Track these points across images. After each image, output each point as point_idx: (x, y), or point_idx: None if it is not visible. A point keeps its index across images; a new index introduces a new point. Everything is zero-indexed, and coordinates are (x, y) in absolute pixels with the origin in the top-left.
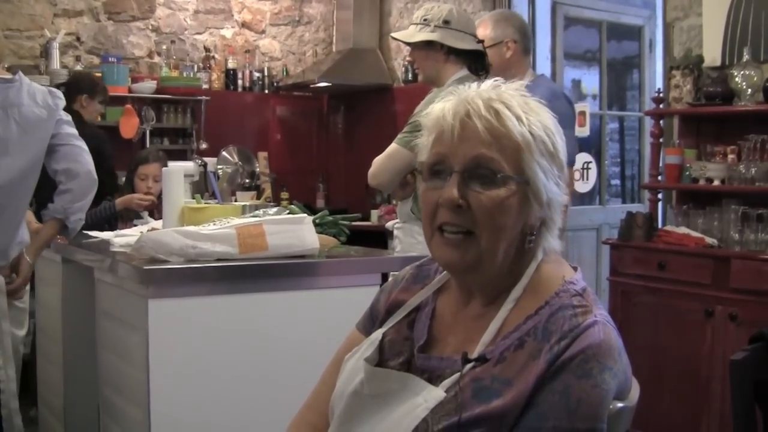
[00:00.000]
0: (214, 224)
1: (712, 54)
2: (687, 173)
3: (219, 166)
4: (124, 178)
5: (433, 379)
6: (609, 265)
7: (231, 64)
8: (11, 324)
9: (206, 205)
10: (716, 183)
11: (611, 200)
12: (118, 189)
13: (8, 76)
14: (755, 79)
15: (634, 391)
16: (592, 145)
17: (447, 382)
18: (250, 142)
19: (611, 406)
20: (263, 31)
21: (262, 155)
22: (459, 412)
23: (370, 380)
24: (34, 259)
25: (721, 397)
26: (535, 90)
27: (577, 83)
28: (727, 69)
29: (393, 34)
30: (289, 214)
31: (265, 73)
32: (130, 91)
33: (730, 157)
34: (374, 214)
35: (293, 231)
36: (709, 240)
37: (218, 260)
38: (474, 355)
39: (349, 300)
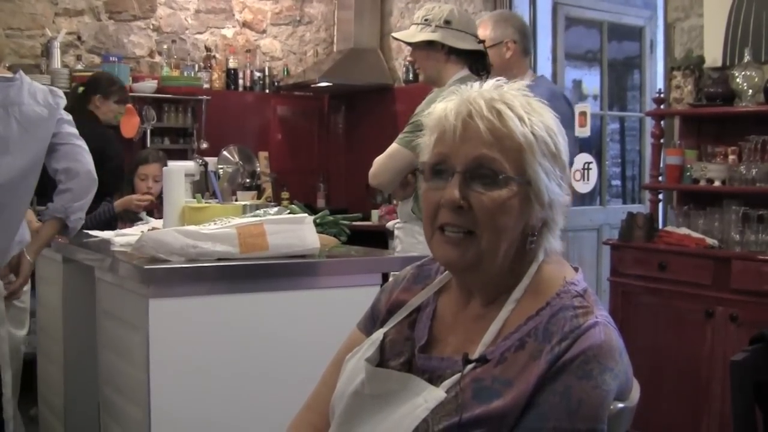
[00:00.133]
0: (215, 224)
1: (713, 55)
2: (688, 174)
3: (220, 166)
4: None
5: (434, 379)
6: (609, 266)
7: (232, 64)
8: (12, 324)
9: (207, 204)
10: (717, 184)
11: (612, 201)
12: (119, 189)
13: (9, 74)
14: (756, 79)
15: (635, 392)
16: (593, 145)
17: (447, 383)
18: (251, 141)
19: (611, 407)
20: (264, 31)
21: (263, 155)
22: (459, 412)
23: (370, 380)
24: (34, 258)
25: (721, 398)
26: (534, 90)
27: (577, 84)
28: (728, 70)
29: (394, 34)
30: (289, 213)
31: (266, 73)
32: (130, 90)
33: (731, 157)
34: (375, 214)
35: (294, 231)
36: (709, 241)
37: (219, 260)
38: (475, 355)
39: (349, 300)
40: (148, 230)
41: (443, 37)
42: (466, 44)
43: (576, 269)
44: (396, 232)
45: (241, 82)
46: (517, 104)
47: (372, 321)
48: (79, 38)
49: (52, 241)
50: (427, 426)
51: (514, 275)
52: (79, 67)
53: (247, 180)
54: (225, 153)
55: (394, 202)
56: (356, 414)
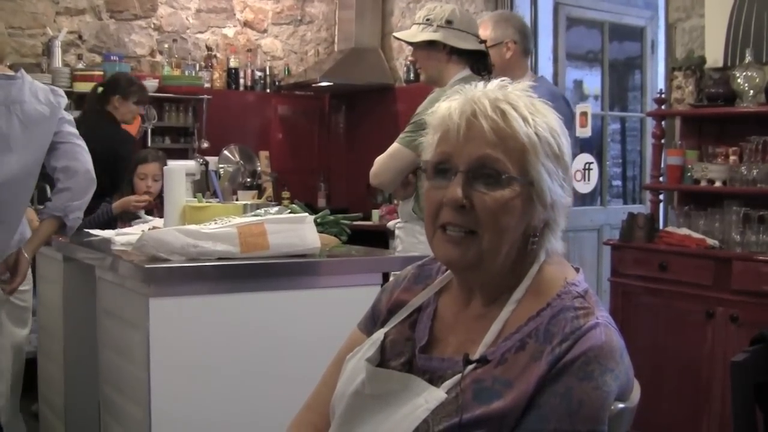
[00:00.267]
0: (216, 223)
1: (714, 55)
2: (688, 174)
3: (220, 165)
4: None
5: (434, 379)
6: (610, 266)
7: (233, 63)
8: (14, 323)
9: (207, 204)
10: (718, 184)
11: (612, 201)
12: (118, 190)
13: (11, 73)
14: (757, 80)
15: (635, 392)
16: (594, 145)
17: (448, 383)
18: (252, 141)
19: (612, 407)
20: (265, 31)
21: (264, 154)
22: (460, 413)
23: (371, 380)
24: (31, 256)
25: (721, 399)
26: (534, 91)
27: (578, 84)
28: (729, 70)
29: (395, 34)
30: (290, 213)
31: (267, 73)
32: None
33: (732, 158)
34: (375, 213)
35: (294, 230)
36: (710, 241)
37: (219, 259)
38: (475, 356)
39: (350, 299)
40: (149, 229)
41: (445, 37)
42: (468, 44)
43: (577, 270)
44: (397, 232)
45: (242, 81)
46: (521, 105)
47: (372, 321)
48: (80, 37)
49: (51, 239)
50: (427, 426)
51: (515, 275)
52: (80, 66)
53: (248, 179)
54: (226, 152)
55: (395, 201)
56: (357, 414)
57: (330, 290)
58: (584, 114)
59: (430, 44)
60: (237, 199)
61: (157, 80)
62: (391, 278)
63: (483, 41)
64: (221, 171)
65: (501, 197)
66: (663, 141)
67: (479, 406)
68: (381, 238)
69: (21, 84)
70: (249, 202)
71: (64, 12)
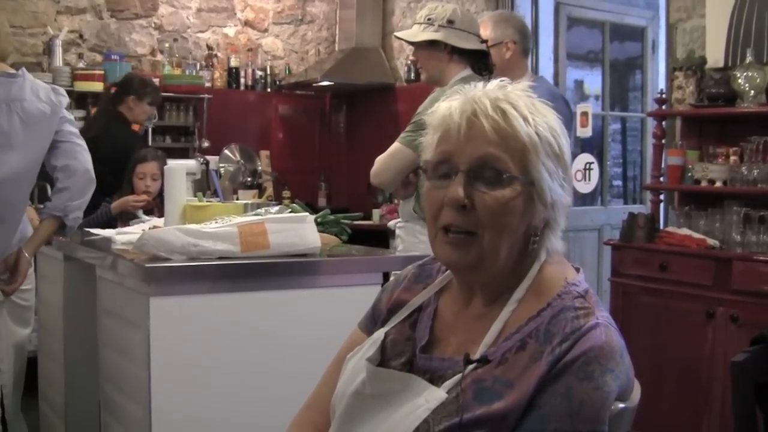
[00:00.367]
0: (216, 222)
1: (714, 55)
2: (689, 174)
3: (221, 165)
4: None
5: (435, 379)
6: (610, 266)
7: (233, 63)
8: (16, 322)
9: (208, 203)
10: (718, 184)
11: (613, 201)
12: (117, 190)
13: (12, 71)
14: (758, 80)
15: (636, 392)
16: (594, 145)
17: (449, 383)
18: (252, 140)
19: (612, 407)
20: (266, 30)
21: (264, 154)
22: (460, 413)
23: (371, 380)
24: (31, 256)
25: (721, 399)
26: (533, 91)
27: (579, 84)
28: (730, 70)
29: (396, 34)
30: (290, 212)
31: (268, 72)
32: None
33: (733, 158)
34: (376, 213)
35: (295, 230)
36: (710, 241)
37: (220, 258)
38: (476, 356)
39: (350, 299)
40: (150, 228)
41: (446, 36)
42: (469, 44)
43: (577, 270)
44: (397, 232)
45: (242, 80)
46: (522, 104)
47: (373, 320)
48: (80, 36)
49: (51, 239)
50: (427, 426)
51: (515, 275)
52: (81, 65)
53: (249, 179)
54: (226, 152)
55: (396, 201)
56: (357, 414)
57: (330, 290)
58: (585, 114)
59: (432, 44)
60: (237, 199)
61: (158, 79)
62: (392, 278)
63: (484, 41)
64: (222, 170)
65: (502, 197)
66: (664, 141)
67: (480, 406)
68: (381, 237)
69: (22, 82)
70: (249, 202)
71: (64, 11)
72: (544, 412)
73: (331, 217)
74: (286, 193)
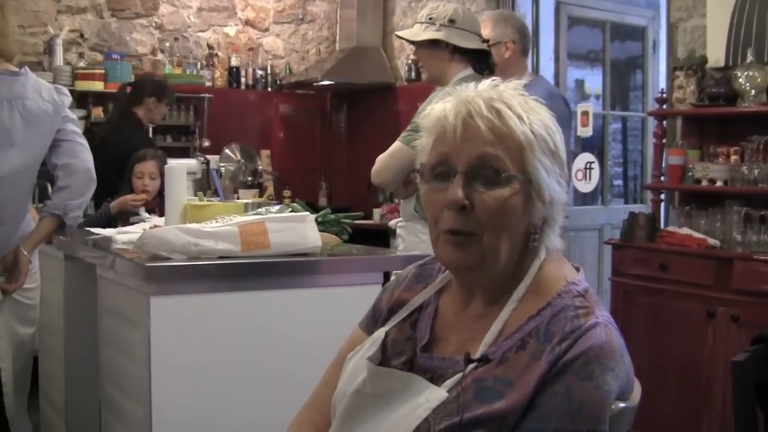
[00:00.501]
0: (217, 222)
1: (715, 55)
2: (690, 174)
3: (221, 164)
4: None
5: (435, 379)
6: (611, 266)
7: (234, 62)
8: (18, 321)
9: (209, 202)
10: (719, 184)
11: (613, 200)
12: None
13: (15, 69)
14: (759, 80)
15: (636, 392)
16: (595, 145)
17: (449, 383)
18: (253, 139)
19: (613, 407)
20: (267, 29)
21: (265, 153)
22: (461, 412)
23: (372, 379)
24: (30, 254)
25: (722, 399)
26: (532, 90)
27: (580, 83)
28: (731, 70)
29: (398, 33)
30: (291, 212)
31: (268, 71)
32: (120, 86)
33: (733, 158)
34: (376, 212)
35: (295, 229)
36: (711, 241)
37: (220, 258)
38: (476, 355)
39: (351, 298)
40: (150, 228)
41: (447, 35)
42: (471, 43)
43: (577, 269)
44: (398, 231)
45: (243, 80)
46: (516, 103)
47: (373, 320)
48: (81, 36)
49: (52, 238)
50: (428, 426)
51: (515, 275)
52: (82, 64)
53: (249, 178)
54: (227, 151)
55: (396, 200)
56: (357, 413)
57: (331, 289)
58: (585, 113)
59: (433, 43)
60: (238, 198)
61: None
62: (393, 277)
63: (486, 40)
64: (222, 170)
65: (501, 196)
66: (664, 140)
67: (480, 406)
68: (382, 237)
69: (25, 81)
70: (250, 201)
71: (65, 10)
72: (544, 411)
73: (332, 216)
74: (287, 193)
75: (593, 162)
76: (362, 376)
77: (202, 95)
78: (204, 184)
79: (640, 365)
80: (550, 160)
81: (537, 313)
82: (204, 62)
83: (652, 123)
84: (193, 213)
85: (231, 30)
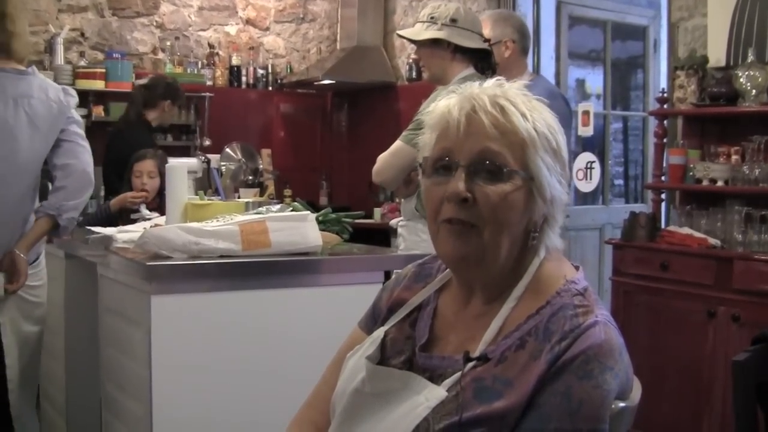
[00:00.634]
0: (218, 221)
1: (716, 54)
2: (690, 174)
3: (222, 163)
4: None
5: (435, 378)
6: (611, 265)
7: (235, 61)
8: (25, 318)
9: (209, 201)
10: (720, 184)
11: (614, 200)
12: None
13: (22, 68)
14: (760, 80)
15: (636, 391)
16: (596, 144)
17: (448, 382)
18: (254, 139)
19: (612, 406)
20: (267, 28)
21: (266, 152)
22: (460, 411)
23: (371, 378)
24: (25, 254)
25: (722, 399)
26: (533, 90)
27: (581, 83)
28: (732, 70)
29: (399, 32)
30: (292, 211)
31: (269, 70)
32: (133, 87)
33: (734, 157)
34: (377, 212)
35: (296, 228)
36: (712, 241)
37: (221, 257)
38: (475, 354)
39: (351, 298)
40: (151, 227)
41: (449, 35)
42: (472, 43)
43: (577, 268)
44: (399, 230)
45: (244, 79)
46: (519, 101)
47: (373, 319)
48: (82, 35)
49: (50, 237)
50: (427, 425)
51: (515, 273)
52: (83, 63)
53: (250, 177)
54: (228, 150)
55: (397, 200)
56: (357, 412)
57: (331, 288)
58: (586, 113)
59: (435, 42)
60: (239, 197)
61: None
62: (392, 277)
63: (487, 40)
64: (223, 169)
65: (502, 191)
66: (665, 140)
67: (479, 405)
68: (383, 236)
69: (31, 80)
70: (251, 200)
71: (66, 9)
72: (543, 411)
73: (333, 215)
74: (288, 192)
75: (594, 161)
76: (361, 375)
77: (203, 94)
78: (205, 183)
79: (641, 365)
80: (552, 158)
81: (536, 312)
82: (205, 61)
83: (652, 123)
84: (194, 212)
85: (232, 29)
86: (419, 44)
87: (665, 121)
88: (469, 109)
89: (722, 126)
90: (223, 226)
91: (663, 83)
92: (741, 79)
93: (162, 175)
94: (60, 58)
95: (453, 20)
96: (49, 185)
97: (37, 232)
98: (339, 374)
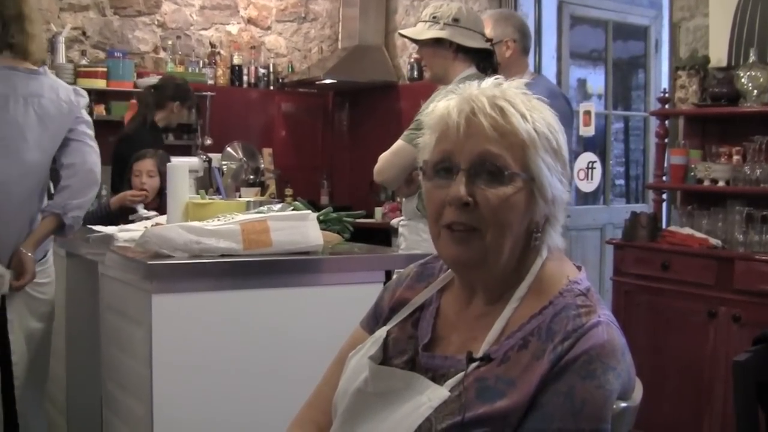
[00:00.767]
0: (219, 220)
1: (718, 55)
2: (692, 174)
3: (223, 162)
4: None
5: (437, 378)
6: (612, 265)
7: (236, 60)
8: (32, 314)
9: (210, 200)
10: (721, 184)
11: (615, 200)
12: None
13: (34, 68)
14: (761, 80)
15: (637, 391)
16: (597, 144)
17: (451, 382)
18: (255, 138)
19: (614, 406)
20: (269, 28)
21: (267, 151)
22: (462, 411)
23: (374, 378)
24: (32, 252)
25: (723, 399)
26: (533, 89)
27: (582, 83)
28: (733, 70)
29: (401, 31)
30: (293, 210)
31: (271, 70)
32: (135, 86)
33: (735, 158)
34: (378, 211)
35: (297, 227)
36: (713, 241)
37: (222, 256)
38: (478, 354)
39: (352, 297)
40: (152, 226)
41: (451, 34)
42: (474, 42)
43: (579, 268)
44: (400, 230)
45: (245, 78)
46: (519, 102)
47: (375, 319)
48: (83, 33)
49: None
50: (430, 425)
51: (517, 273)
52: (84, 62)
53: (251, 176)
54: (229, 149)
55: (398, 199)
56: (359, 412)
57: (332, 288)
58: (588, 113)
59: (437, 42)
60: (240, 196)
61: (161, 77)
62: (394, 276)
63: (489, 39)
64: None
65: (504, 194)
66: (666, 140)
67: (482, 405)
68: (384, 235)
69: (42, 80)
70: (252, 199)
71: (68, 8)
72: (546, 411)
73: (334, 215)
74: (289, 191)
75: (595, 161)
76: (364, 375)
77: (205, 93)
78: (206, 183)
79: (642, 365)
80: (553, 158)
81: (539, 312)
82: (206, 60)
83: (654, 122)
84: (195, 211)
85: (233, 28)
86: (421, 44)
87: (666, 121)
88: (468, 112)
89: (723, 126)
90: (224, 226)
91: (664, 83)
92: (742, 80)
93: (162, 174)
94: (61, 57)
95: (455, 20)
96: (51, 186)
97: (43, 231)
98: (340, 374)
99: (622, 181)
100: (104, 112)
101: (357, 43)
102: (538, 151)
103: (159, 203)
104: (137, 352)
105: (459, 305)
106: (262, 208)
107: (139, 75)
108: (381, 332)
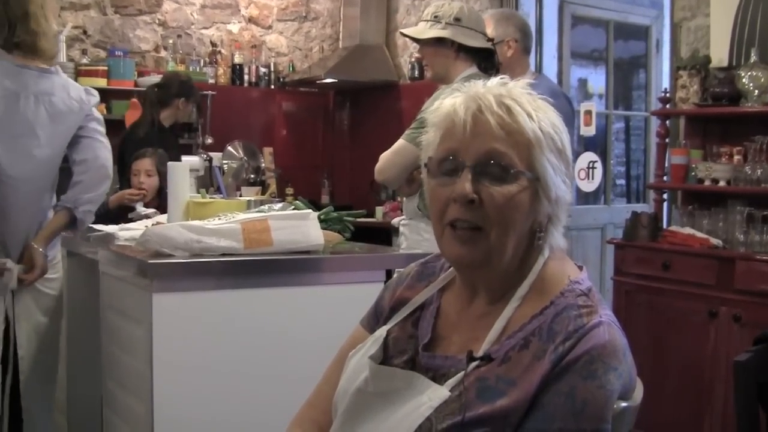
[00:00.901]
0: (219, 219)
1: (719, 55)
2: (692, 174)
3: (224, 161)
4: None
5: (438, 377)
6: (613, 265)
7: (237, 59)
8: (41, 310)
9: (211, 199)
10: (722, 184)
11: (616, 200)
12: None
13: (45, 66)
14: (762, 80)
15: (638, 391)
16: (598, 144)
17: (451, 381)
18: (256, 137)
19: (615, 406)
20: (270, 27)
21: (268, 151)
22: (463, 411)
23: (374, 378)
24: (43, 248)
25: (724, 399)
26: (535, 89)
27: (583, 82)
28: (734, 70)
29: (403, 31)
30: (293, 209)
31: (272, 69)
32: (136, 85)
33: (736, 158)
34: (379, 210)
35: (298, 227)
36: (714, 241)
37: (223, 255)
38: (479, 353)
39: (353, 296)
40: (153, 225)
41: (453, 34)
42: (476, 42)
43: (580, 268)
44: (401, 229)
45: (246, 77)
46: (525, 101)
47: (375, 318)
48: (84, 32)
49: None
50: (430, 424)
51: (520, 273)
52: (85, 61)
53: (252, 175)
54: (230, 148)
55: (399, 198)
56: (359, 411)
57: (333, 287)
58: (588, 113)
59: (438, 41)
60: (240, 195)
61: (164, 75)
62: (395, 275)
63: (490, 39)
64: (225, 167)
65: (508, 192)
66: (667, 140)
67: (482, 405)
68: (384, 235)
69: (54, 79)
70: (252, 198)
71: (68, 7)
72: (547, 411)
73: (334, 214)
74: (290, 190)
75: (596, 161)
76: (364, 374)
77: (205, 92)
78: (207, 182)
79: (642, 365)
80: (557, 158)
81: (540, 312)
82: (207, 59)
83: (655, 122)
84: (196, 210)
85: (234, 27)
86: (423, 43)
87: (667, 121)
88: (475, 109)
89: (724, 126)
90: (225, 225)
91: (665, 83)
92: (743, 80)
93: (161, 174)
94: (62, 56)
95: (457, 19)
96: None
97: (54, 226)
98: (341, 373)
99: (622, 181)
100: (105, 111)
101: (358, 43)
102: (544, 150)
103: (159, 202)
104: (138, 351)
105: (460, 304)
106: (262, 207)
107: (140, 74)
108: (381, 331)
